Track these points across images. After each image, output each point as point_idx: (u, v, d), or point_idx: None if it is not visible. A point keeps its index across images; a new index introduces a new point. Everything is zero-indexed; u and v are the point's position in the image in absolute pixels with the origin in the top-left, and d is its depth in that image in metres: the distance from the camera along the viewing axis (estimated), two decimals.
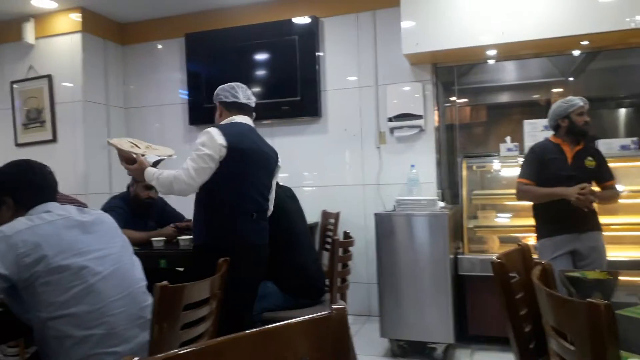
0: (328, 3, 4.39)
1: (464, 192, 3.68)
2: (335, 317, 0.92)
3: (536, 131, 3.56)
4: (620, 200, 3.09)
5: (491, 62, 4.16)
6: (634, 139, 3.42)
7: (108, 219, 1.84)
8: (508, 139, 3.64)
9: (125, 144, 2.57)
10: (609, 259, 2.91)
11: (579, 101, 2.87)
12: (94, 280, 1.60)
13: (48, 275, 1.53)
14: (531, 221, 3.02)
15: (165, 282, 1.52)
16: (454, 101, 4.45)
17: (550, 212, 2.85)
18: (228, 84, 2.61)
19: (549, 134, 3.06)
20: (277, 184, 3.17)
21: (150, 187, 2.74)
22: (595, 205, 2.90)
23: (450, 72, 4.31)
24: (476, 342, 3.46)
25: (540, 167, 2.88)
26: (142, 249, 2.82)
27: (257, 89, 4.48)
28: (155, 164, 2.57)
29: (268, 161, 2.57)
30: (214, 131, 2.34)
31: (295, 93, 4.34)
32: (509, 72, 4.42)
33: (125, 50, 5.00)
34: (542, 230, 2.92)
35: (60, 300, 1.54)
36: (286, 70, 4.37)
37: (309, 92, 4.33)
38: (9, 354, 2.85)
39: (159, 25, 4.86)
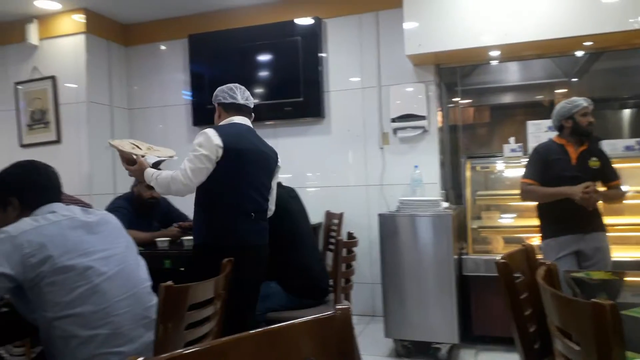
0: (331, 4, 4.39)
1: (468, 192, 3.68)
2: (340, 318, 0.92)
3: (540, 132, 3.56)
4: (625, 201, 3.08)
5: (494, 62, 4.16)
6: (638, 139, 3.41)
7: (113, 219, 1.85)
8: (512, 139, 3.63)
9: (126, 145, 2.59)
10: (613, 259, 2.91)
11: (582, 102, 2.87)
12: (99, 281, 1.60)
13: (53, 276, 1.53)
14: (535, 221, 3.02)
15: (169, 282, 1.53)
16: (457, 102, 4.45)
17: (554, 212, 2.85)
18: (226, 85, 2.63)
19: (553, 134, 3.06)
20: (280, 184, 3.18)
21: (152, 187, 2.76)
22: (599, 206, 2.89)
23: (454, 72, 4.30)
24: (481, 343, 3.45)
25: (544, 167, 2.87)
26: (147, 249, 2.83)
27: (260, 90, 4.49)
28: (155, 165, 2.59)
29: (267, 161, 2.57)
30: (210, 132, 2.36)
31: (298, 94, 4.35)
32: (512, 73, 4.42)
33: (129, 52, 5.01)
34: (546, 231, 2.92)
35: (66, 300, 1.54)
36: (289, 71, 4.37)
37: (312, 93, 4.34)
38: (15, 353, 2.86)
39: (163, 26, 4.88)
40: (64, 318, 1.54)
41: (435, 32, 3.69)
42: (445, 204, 3.50)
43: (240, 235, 2.39)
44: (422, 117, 4.05)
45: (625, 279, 2.16)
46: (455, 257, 3.30)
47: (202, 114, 4.60)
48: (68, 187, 2.08)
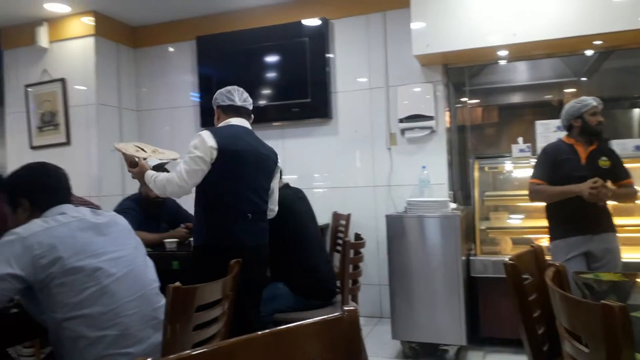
0: (338, 5, 4.39)
1: (476, 193, 3.66)
2: (347, 319, 0.92)
3: (549, 132, 3.53)
4: (637, 201, 3.04)
5: (503, 62, 4.14)
6: None
7: (122, 220, 1.86)
8: (520, 139, 3.61)
9: (130, 148, 2.65)
10: (623, 260, 2.88)
11: (592, 101, 2.85)
12: (108, 282, 1.61)
13: (63, 277, 1.55)
14: (544, 222, 3.00)
15: (177, 284, 1.54)
16: (465, 102, 4.43)
17: (563, 213, 2.83)
18: (225, 87, 2.65)
19: (562, 134, 3.04)
20: (288, 185, 3.20)
21: None
22: (609, 206, 2.87)
23: (461, 72, 4.29)
24: (489, 344, 3.44)
25: (553, 167, 2.85)
26: (155, 251, 2.85)
27: (267, 91, 4.50)
28: (156, 167, 2.64)
29: (266, 163, 2.58)
30: (205, 134, 2.38)
31: (306, 95, 4.35)
32: (521, 73, 4.39)
33: (138, 53, 5.05)
34: (555, 232, 2.89)
35: (75, 301, 1.55)
36: (296, 72, 4.38)
37: (320, 93, 4.34)
38: (25, 354, 2.88)
39: (171, 28, 4.90)
40: (73, 319, 1.55)
41: (443, 32, 3.68)
42: (453, 205, 3.49)
43: (238, 236, 2.40)
44: (430, 118, 4.04)
45: (636, 280, 2.14)
46: (463, 258, 3.28)
47: (210, 115, 4.52)
48: (77, 188, 2.10)
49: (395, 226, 3.34)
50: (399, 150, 4.22)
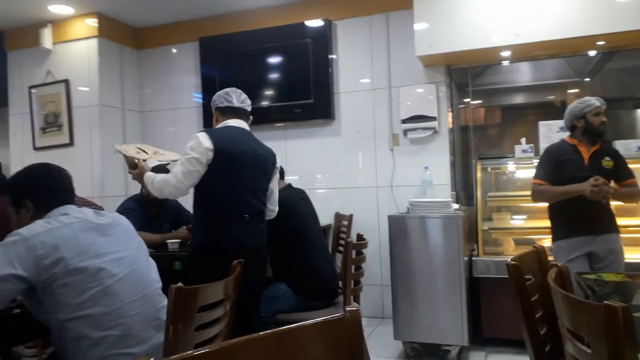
0: (341, 6, 4.39)
1: (479, 193, 3.65)
2: (349, 320, 0.92)
3: (551, 132, 3.53)
4: None
5: (505, 63, 4.13)
6: None
7: (124, 221, 1.87)
8: (523, 140, 3.61)
9: (131, 150, 2.69)
10: (627, 260, 2.87)
11: (595, 101, 2.84)
12: (111, 282, 1.62)
13: (66, 277, 1.55)
14: (546, 223, 2.99)
15: (180, 284, 1.54)
16: (468, 102, 4.43)
17: (566, 213, 2.82)
18: (223, 89, 2.65)
19: (565, 135, 3.03)
20: (290, 185, 3.20)
21: None
22: (613, 207, 2.86)
23: (464, 73, 4.29)
24: (491, 345, 3.43)
25: (556, 168, 2.85)
26: (157, 251, 2.85)
27: (270, 92, 4.51)
28: (156, 169, 2.67)
29: (264, 163, 2.58)
30: (201, 135, 2.40)
31: (309, 96, 4.36)
32: (524, 73, 4.39)
33: (141, 55, 5.06)
34: (558, 232, 2.89)
35: (77, 302, 1.56)
36: (299, 73, 4.38)
37: (322, 94, 4.34)
38: (27, 354, 2.89)
39: (174, 29, 4.91)
40: (76, 319, 1.56)
41: (446, 32, 3.68)
42: (456, 206, 3.49)
43: (235, 237, 2.41)
44: (433, 118, 4.04)
45: (639, 281, 2.13)
46: (466, 258, 3.28)
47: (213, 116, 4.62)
48: (80, 189, 2.11)
49: (398, 227, 3.34)
50: (401, 150, 4.22)
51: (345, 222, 4.09)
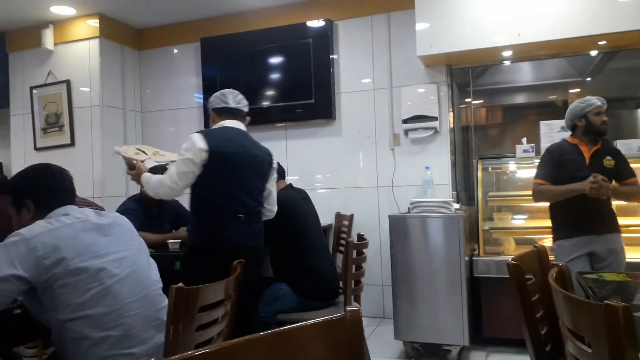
0: (342, 6, 4.39)
1: (479, 193, 3.65)
2: (350, 319, 0.92)
3: (553, 132, 3.52)
4: None
5: (507, 63, 4.13)
6: None
7: (125, 221, 1.87)
8: (524, 140, 3.60)
9: (130, 151, 2.72)
10: (628, 260, 2.87)
11: (596, 101, 2.84)
12: (111, 282, 1.62)
13: (66, 277, 1.55)
14: (547, 223, 2.99)
15: (180, 284, 1.54)
16: (469, 102, 4.42)
17: (567, 213, 2.82)
18: (220, 91, 2.66)
19: (566, 135, 3.03)
20: (291, 185, 3.21)
21: None
22: (614, 207, 2.85)
23: (466, 73, 4.28)
24: (491, 345, 3.43)
25: (557, 167, 2.84)
26: (158, 251, 2.85)
27: (271, 92, 4.51)
28: (154, 169, 2.68)
29: (260, 164, 2.57)
30: (195, 136, 2.40)
31: (310, 96, 4.36)
32: (525, 73, 4.38)
33: (142, 55, 5.07)
34: (559, 232, 2.88)
35: (78, 302, 1.56)
36: (300, 73, 4.39)
37: (323, 94, 4.34)
38: (28, 354, 2.89)
39: (175, 30, 4.92)
40: (76, 319, 1.56)
41: (447, 32, 3.67)
42: (457, 205, 3.49)
43: (230, 238, 2.40)
44: (434, 118, 4.04)
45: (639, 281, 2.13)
46: (466, 258, 3.28)
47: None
48: (81, 189, 2.11)
49: (398, 226, 3.34)
50: (402, 150, 4.22)
51: (346, 222, 4.09)
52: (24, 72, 4.88)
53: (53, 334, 1.63)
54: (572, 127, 2.93)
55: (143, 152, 2.76)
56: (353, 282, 2.78)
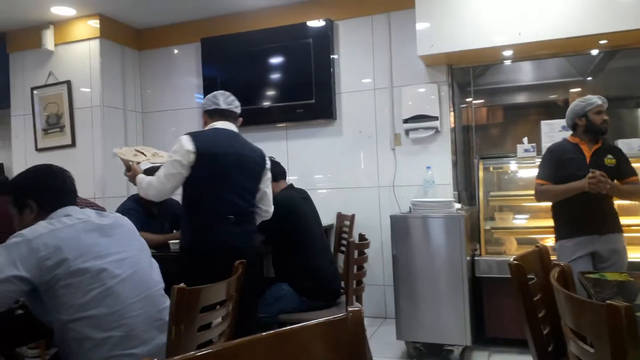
0: (342, 6, 4.39)
1: (481, 193, 3.65)
2: (351, 320, 0.92)
3: (554, 132, 3.52)
4: None
5: (507, 62, 4.13)
6: None
7: (126, 222, 1.87)
8: (525, 139, 3.60)
9: (128, 152, 2.78)
10: (630, 260, 2.86)
11: (597, 100, 2.84)
12: (113, 283, 1.62)
13: (68, 278, 1.55)
14: (549, 222, 2.99)
15: (182, 285, 1.54)
16: (470, 102, 4.42)
17: (570, 212, 2.82)
18: (212, 93, 2.67)
19: (567, 134, 3.03)
20: (292, 185, 3.21)
21: None
22: (616, 206, 2.85)
23: (466, 73, 4.28)
24: (494, 345, 3.43)
25: (558, 167, 2.84)
26: (159, 252, 2.85)
27: (272, 92, 4.51)
28: (147, 171, 2.71)
29: (251, 165, 2.56)
30: (183, 138, 2.41)
31: (310, 96, 4.36)
32: (526, 73, 4.38)
33: (142, 56, 5.07)
34: (561, 231, 2.88)
35: (80, 303, 1.56)
36: (301, 73, 4.39)
37: (324, 94, 4.34)
38: (30, 355, 2.90)
39: (175, 30, 4.92)
40: (78, 320, 1.56)
41: (448, 32, 3.67)
42: (458, 205, 3.49)
43: (220, 239, 2.40)
44: (435, 118, 4.03)
45: None
46: (468, 258, 3.27)
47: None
48: (82, 190, 2.11)
49: (400, 227, 3.34)
50: (403, 150, 4.22)
51: (347, 222, 4.09)
52: (24, 72, 4.89)
53: (55, 335, 1.63)
54: (573, 126, 2.93)
55: (142, 153, 2.78)
56: (355, 282, 2.78)
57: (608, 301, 1.04)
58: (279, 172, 3.18)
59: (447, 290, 3.21)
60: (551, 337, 1.74)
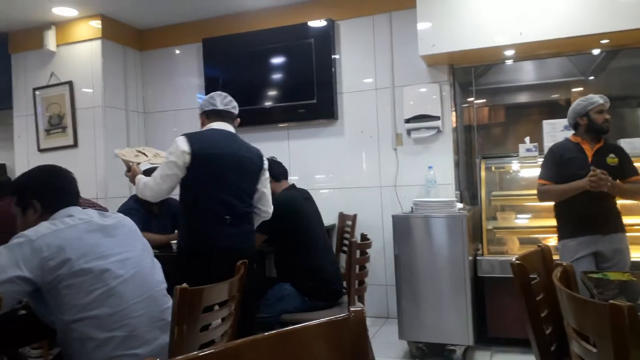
0: (344, 6, 4.39)
1: (483, 193, 3.64)
2: (354, 320, 0.92)
3: (556, 131, 3.52)
4: None
5: (509, 62, 4.12)
6: None
7: (129, 222, 1.87)
8: (527, 139, 3.60)
9: (129, 153, 2.82)
10: (633, 259, 2.86)
11: (598, 99, 2.83)
12: (116, 283, 1.62)
13: (71, 278, 1.56)
14: (551, 222, 2.98)
15: (184, 285, 1.54)
16: (472, 102, 4.42)
17: (572, 212, 2.81)
18: (209, 94, 2.68)
19: (569, 134, 3.03)
20: (294, 185, 3.21)
21: None
22: (619, 206, 2.84)
23: (468, 72, 4.28)
24: (496, 344, 3.42)
25: (559, 167, 2.84)
26: (161, 252, 2.86)
27: (273, 92, 4.51)
28: (146, 172, 2.73)
29: (248, 165, 2.55)
30: (179, 139, 2.42)
31: (312, 96, 4.36)
32: (528, 72, 4.38)
33: (144, 56, 5.07)
34: (564, 231, 2.88)
35: (83, 303, 1.56)
36: (302, 73, 4.39)
37: (325, 94, 4.34)
38: (33, 355, 2.90)
39: (177, 31, 4.92)
40: (81, 320, 1.56)
41: (449, 32, 3.67)
42: (460, 205, 3.48)
43: (214, 239, 2.40)
44: (436, 118, 4.03)
45: None
46: (470, 258, 3.27)
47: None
48: (84, 190, 2.12)
49: (402, 226, 3.34)
50: (405, 150, 4.22)
51: (349, 222, 4.09)
52: (26, 73, 4.90)
53: (58, 335, 1.63)
54: (575, 126, 2.93)
55: (143, 153, 2.79)
56: (357, 282, 2.78)
57: (611, 301, 1.04)
58: (280, 172, 3.18)
59: (450, 290, 3.21)
60: (554, 337, 1.74)
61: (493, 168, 3.82)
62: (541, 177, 2.90)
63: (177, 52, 4.98)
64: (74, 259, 1.57)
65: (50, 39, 4.65)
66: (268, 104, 4.50)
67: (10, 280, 1.50)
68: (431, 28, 3.72)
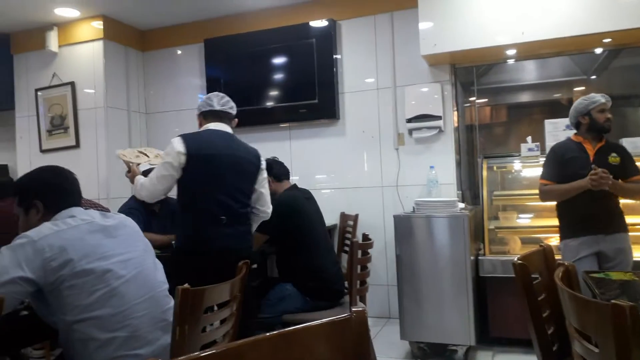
0: (345, 6, 4.39)
1: (485, 192, 3.64)
2: (355, 320, 0.92)
3: (557, 131, 3.51)
4: None
5: (511, 61, 4.12)
6: None
7: (130, 222, 1.88)
8: (529, 139, 3.59)
9: (130, 154, 2.84)
10: (635, 259, 2.85)
11: (600, 98, 2.83)
12: (118, 284, 1.62)
13: (73, 279, 1.56)
14: (553, 221, 2.98)
15: (186, 285, 1.54)
16: (474, 101, 4.42)
17: (574, 211, 2.81)
18: (207, 95, 2.68)
19: (571, 133, 3.02)
20: (295, 186, 3.21)
21: None
22: (622, 206, 2.84)
23: (469, 72, 4.27)
24: (498, 345, 3.42)
25: (561, 166, 2.84)
26: (163, 252, 2.86)
27: (275, 93, 4.51)
28: (145, 173, 2.73)
29: (244, 165, 2.54)
30: (175, 140, 2.43)
31: (313, 96, 4.36)
32: (530, 72, 4.37)
33: (146, 57, 5.08)
34: (566, 230, 2.87)
35: (85, 304, 1.57)
36: (304, 73, 4.39)
37: (327, 94, 4.34)
38: (35, 356, 2.91)
39: (178, 31, 4.93)
40: (83, 321, 1.56)
41: (451, 31, 3.67)
42: (462, 205, 3.48)
43: (212, 240, 2.40)
44: (438, 117, 4.03)
45: None
46: (472, 258, 3.27)
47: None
48: (86, 191, 2.12)
49: (403, 226, 3.34)
50: (406, 150, 4.22)
51: (351, 222, 4.09)
52: (28, 74, 4.91)
53: (60, 336, 1.63)
54: (576, 125, 2.93)
55: (145, 154, 2.81)
56: (358, 282, 2.78)
57: (613, 301, 1.04)
58: (282, 172, 3.18)
59: (451, 290, 3.21)
60: (556, 336, 1.74)
61: (495, 168, 3.81)
62: (543, 177, 2.90)
63: (179, 52, 4.98)
64: (76, 260, 1.57)
65: (52, 40, 4.66)
66: (269, 104, 4.51)
67: (13, 281, 1.51)
68: (433, 28, 3.72)
